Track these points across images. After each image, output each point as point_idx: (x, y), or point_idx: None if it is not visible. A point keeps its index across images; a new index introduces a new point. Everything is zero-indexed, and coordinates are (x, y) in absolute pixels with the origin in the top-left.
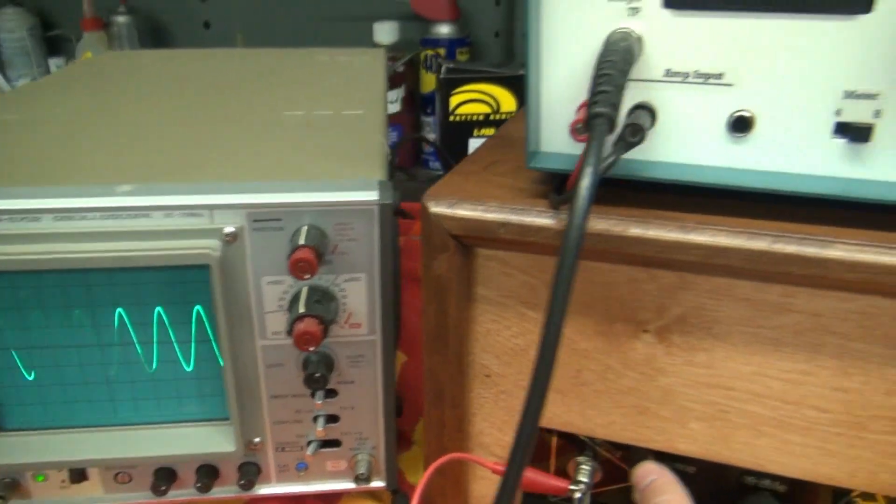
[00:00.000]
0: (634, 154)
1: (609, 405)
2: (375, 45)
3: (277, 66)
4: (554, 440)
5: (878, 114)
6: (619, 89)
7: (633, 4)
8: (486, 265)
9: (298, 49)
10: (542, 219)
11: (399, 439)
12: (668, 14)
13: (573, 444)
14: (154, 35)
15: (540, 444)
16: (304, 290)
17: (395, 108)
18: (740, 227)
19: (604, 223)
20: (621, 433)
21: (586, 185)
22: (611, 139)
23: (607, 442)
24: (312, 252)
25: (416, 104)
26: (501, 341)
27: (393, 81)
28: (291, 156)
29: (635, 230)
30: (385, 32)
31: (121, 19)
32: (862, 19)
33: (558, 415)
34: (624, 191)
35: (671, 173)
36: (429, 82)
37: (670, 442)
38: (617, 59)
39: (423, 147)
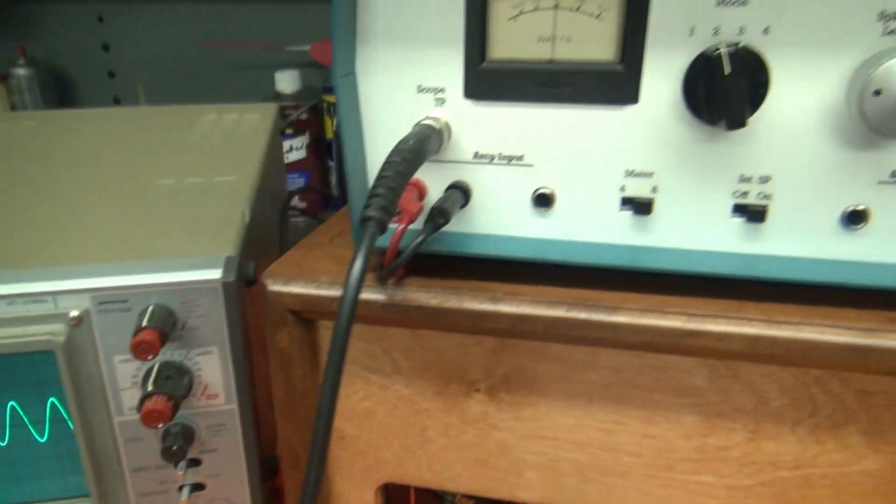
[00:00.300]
0: (456, 227)
1: (454, 459)
2: (278, 94)
3: (162, 127)
4: (412, 494)
5: (655, 189)
6: (395, 191)
7: (440, 95)
8: (328, 335)
9: (189, 106)
10: (368, 294)
11: (276, 499)
12: (469, 104)
13: (434, 497)
14: (57, 86)
15: (399, 500)
16: (155, 368)
17: (300, 154)
18: (542, 297)
19: (424, 296)
20: (468, 485)
21: (352, 287)
22: (422, 218)
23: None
24: (155, 333)
25: (322, 150)
26: (351, 405)
27: (297, 128)
28: (145, 232)
29: (451, 303)
30: (287, 81)
31: (20, 71)
32: (632, 109)
33: (411, 471)
34: (452, 261)
35: (484, 247)
36: (331, 128)
37: (511, 491)
38: (399, 160)
39: (332, 191)
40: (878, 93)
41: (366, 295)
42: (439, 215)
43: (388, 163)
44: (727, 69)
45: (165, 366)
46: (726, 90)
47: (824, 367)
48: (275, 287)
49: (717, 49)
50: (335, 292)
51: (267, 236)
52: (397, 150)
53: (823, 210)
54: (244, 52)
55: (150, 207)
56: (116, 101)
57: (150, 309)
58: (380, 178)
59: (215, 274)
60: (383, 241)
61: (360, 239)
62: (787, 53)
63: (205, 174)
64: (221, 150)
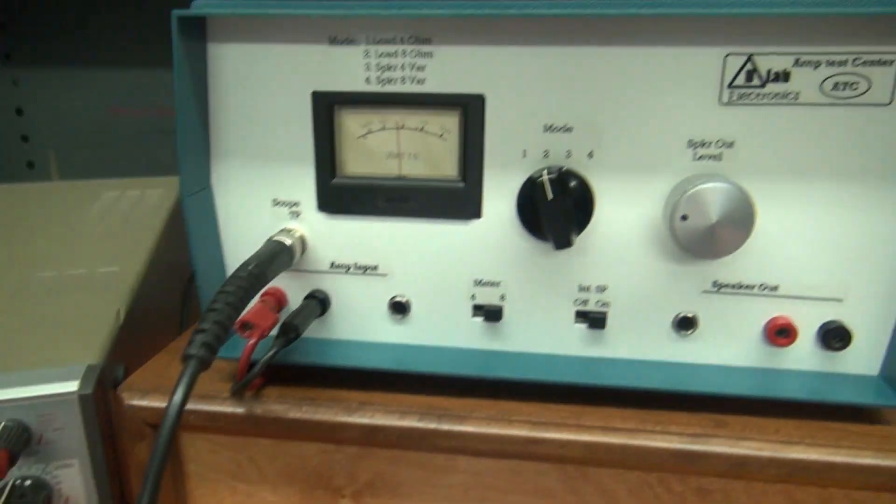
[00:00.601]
0: (316, 333)
1: None
2: None
3: (57, 206)
4: None
5: (503, 297)
6: (222, 324)
7: (294, 209)
8: (193, 445)
9: (90, 182)
10: (224, 407)
11: None
12: (323, 217)
13: None
14: None
15: None
16: (7, 489)
17: None
18: (396, 406)
19: (280, 407)
20: None
21: (164, 435)
22: (274, 332)
23: None
24: (3, 455)
25: None
26: None
27: None
28: (7, 337)
29: (307, 414)
30: None
31: None
32: (476, 223)
33: None
34: (311, 370)
35: (341, 358)
36: None
37: None
38: (232, 289)
39: None
40: (685, 218)
41: (223, 408)
42: (290, 330)
43: (221, 293)
44: (550, 195)
45: (19, 486)
46: (550, 214)
47: (659, 471)
48: (131, 401)
49: (542, 175)
50: (195, 406)
51: (164, 317)
52: (233, 277)
53: (657, 317)
54: (161, 118)
55: (19, 307)
56: (30, 166)
57: (2, 425)
58: (209, 310)
59: (72, 386)
60: (232, 351)
61: (180, 376)
62: (611, 175)
63: (88, 264)
64: (114, 233)
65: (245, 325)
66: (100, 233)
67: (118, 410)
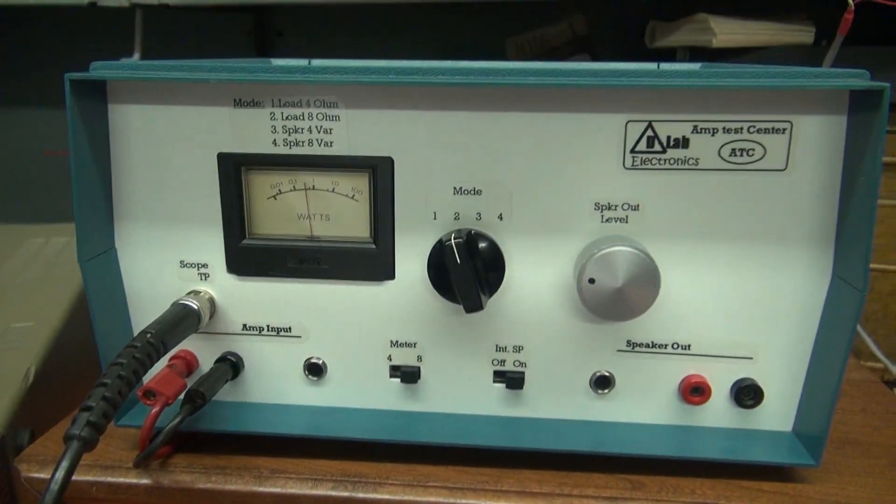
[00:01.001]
0: (229, 397)
1: None
2: None
3: None
4: None
5: (420, 358)
6: (111, 401)
7: (203, 270)
8: None
9: (13, 227)
10: (128, 478)
11: None
12: (233, 278)
13: None
14: None
15: None
16: None
17: None
18: (309, 472)
19: (188, 478)
20: None
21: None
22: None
23: None
24: None
25: None
26: None
27: None
28: None
29: (217, 484)
30: None
31: None
32: (390, 284)
33: None
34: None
35: (252, 424)
36: None
37: None
38: (125, 361)
39: None
40: (592, 281)
41: (127, 479)
42: (197, 397)
43: (113, 365)
44: (458, 259)
45: None
46: (459, 278)
47: None
48: (28, 474)
49: (450, 239)
50: (94, 477)
51: (82, 376)
52: (128, 347)
53: (574, 376)
54: None
55: None
56: None
57: None
58: (98, 384)
59: None
60: (135, 419)
61: (60, 458)
62: (522, 237)
63: (2, 319)
64: (33, 284)
65: (148, 393)
66: (18, 284)
67: (18, 482)
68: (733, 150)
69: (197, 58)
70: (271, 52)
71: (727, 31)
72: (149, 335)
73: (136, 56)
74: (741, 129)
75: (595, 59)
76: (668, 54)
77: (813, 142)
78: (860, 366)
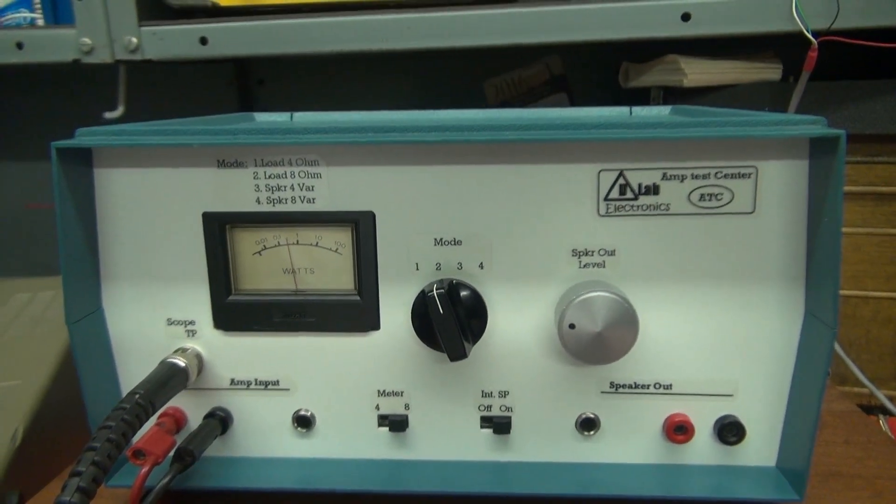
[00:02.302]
0: (219, 451)
1: None
2: None
3: None
4: None
5: (407, 406)
6: (100, 465)
7: (190, 327)
8: None
9: (4, 280)
10: None
11: None
12: (220, 334)
13: None
14: None
15: None
16: None
17: None
18: None
19: None
20: None
21: None
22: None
23: None
24: None
25: None
26: None
27: None
28: None
29: None
30: None
31: None
32: (375, 335)
33: None
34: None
35: (242, 479)
36: None
37: None
38: (115, 423)
39: None
40: (572, 326)
41: None
42: (186, 455)
43: (102, 428)
44: (440, 309)
45: None
46: (442, 327)
47: None
48: None
49: (432, 289)
50: None
51: (71, 436)
52: (117, 409)
53: (560, 418)
54: None
55: None
56: None
57: None
58: (87, 448)
59: None
60: (126, 479)
61: None
62: (502, 285)
63: None
64: (20, 341)
65: (137, 453)
66: (5, 341)
67: None
68: (702, 195)
69: (181, 108)
70: (254, 101)
71: (697, 71)
72: (137, 396)
73: (121, 109)
74: (708, 174)
75: (571, 97)
76: (643, 94)
77: (778, 185)
78: (842, 396)
